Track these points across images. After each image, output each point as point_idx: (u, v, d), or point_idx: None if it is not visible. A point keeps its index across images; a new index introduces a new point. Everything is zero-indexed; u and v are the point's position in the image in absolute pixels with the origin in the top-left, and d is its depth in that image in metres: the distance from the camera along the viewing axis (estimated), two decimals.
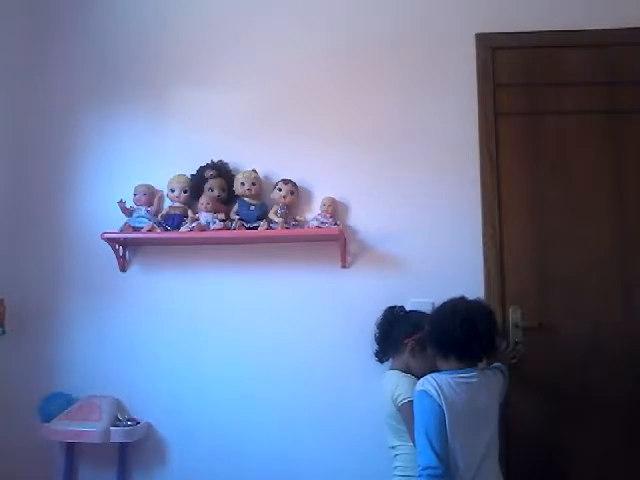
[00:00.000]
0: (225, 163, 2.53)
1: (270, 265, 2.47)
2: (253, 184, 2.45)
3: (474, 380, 1.83)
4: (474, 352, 1.86)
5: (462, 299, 1.92)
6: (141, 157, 2.61)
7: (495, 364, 2.01)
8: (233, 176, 2.50)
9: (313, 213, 2.46)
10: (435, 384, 1.79)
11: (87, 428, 2.28)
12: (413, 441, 1.86)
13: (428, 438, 1.73)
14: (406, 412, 1.93)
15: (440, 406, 1.75)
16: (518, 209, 2.44)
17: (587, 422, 2.28)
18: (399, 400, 1.97)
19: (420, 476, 1.72)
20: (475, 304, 1.91)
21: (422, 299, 2.33)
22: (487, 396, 1.84)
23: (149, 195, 2.53)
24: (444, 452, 1.71)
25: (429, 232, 2.43)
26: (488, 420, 1.81)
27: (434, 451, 1.70)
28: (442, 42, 2.56)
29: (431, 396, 1.77)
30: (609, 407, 2.28)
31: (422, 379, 1.85)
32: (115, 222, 2.47)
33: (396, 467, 2.00)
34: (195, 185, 2.50)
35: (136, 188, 2.52)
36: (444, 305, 1.93)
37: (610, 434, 2.27)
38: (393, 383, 2.03)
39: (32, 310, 2.51)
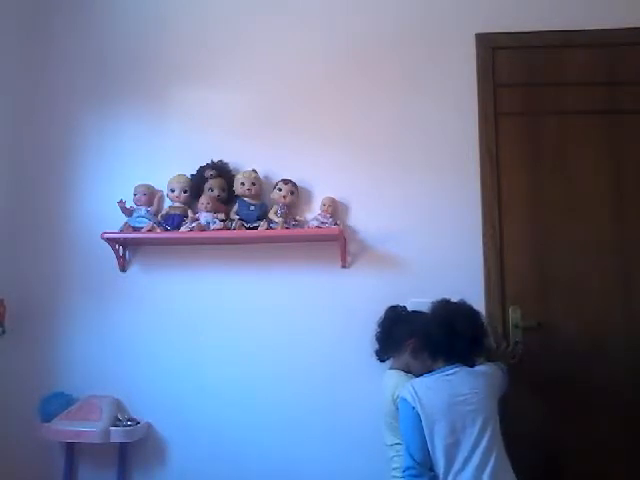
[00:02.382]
0: (225, 163, 2.53)
1: (270, 265, 2.47)
2: (253, 184, 2.45)
3: (454, 376, 1.86)
4: (458, 352, 1.90)
5: (442, 301, 1.97)
6: (141, 157, 2.61)
7: (494, 363, 2.01)
8: (233, 176, 2.50)
9: (313, 213, 2.46)
10: (412, 389, 1.85)
11: (87, 428, 2.28)
12: None
13: (406, 442, 1.84)
14: None
15: (414, 408, 1.81)
16: (518, 209, 2.44)
17: (587, 422, 2.28)
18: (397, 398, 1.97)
19: (403, 477, 1.83)
20: (454, 305, 1.95)
21: (422, 299, 2.32)
22: (473, 388, 1.84)
23: (149, 195, 2.53)
24: (421, 453, 1.79)
25: (429, 232, 2.43)
26: (476, 413, 1.80)
27: (410, 454, 1.80)
28: (442, 42, 2.56)
29: (407, 401, 1.84)
30: (609, 407, 2.28)
31: (405, 385, 1.90)
32: (115, 222, 2.47)
33: (395, 468, 2.00)
34: (195, 185, 2.50)
35: (136, 188, 2.52)
36: (429, 310, 1.99)
37: (611, 434, 2.27)
38: (393, 382, 2.05)
39: (32, 310, 2.51)
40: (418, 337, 1.99)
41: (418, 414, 1.80)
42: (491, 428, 1.81)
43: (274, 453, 2.36)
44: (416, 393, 1.83)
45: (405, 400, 1.85)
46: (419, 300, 2.31)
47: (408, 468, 1.80)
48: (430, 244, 2.42)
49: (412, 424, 1.81)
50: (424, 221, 2.45)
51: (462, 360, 1.90)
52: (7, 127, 2.60)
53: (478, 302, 2.25)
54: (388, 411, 2.03)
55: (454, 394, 1.82)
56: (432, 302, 1.99)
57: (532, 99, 2.52)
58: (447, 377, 1.86)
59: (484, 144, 2.46)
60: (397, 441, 2.00)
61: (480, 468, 1.75)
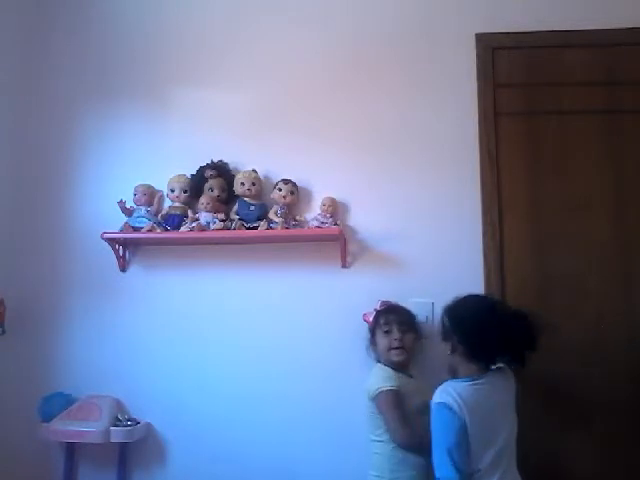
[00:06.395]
0: (225, 163, 2.53)
1: (270, 265, 2.47)
2: (253, 184, 2.45)
3: (486, 385, 1.82)
4: (498, 361, 1.86)
5: (492, 299, 1.93)
6: (141, 157, 2.61)
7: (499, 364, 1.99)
8: (233, 176, 2.50)
9: (313, 213, 2.46)
10: (455, 394, 1.76)
11: (87, 428, 2.28)
12: (391, 432, 1.97)
13: (449, 452, 1.70)
14: (380, 401, 2.03)
15: (461, 418, 1.72)
16: (518, 209, 2.44)
17: (588, 422, 2.28)
18: (371, 391, 2.06)
19: None
20: (510, 308, 1.91)
21: (422, 299, 2.34)
22: (500, 395, 1.83)
23: (149, 195, 2.53)
24: (465, 465, 1.70)
25: (429, 232, 2.43)
26: (504, 420, 1.81)
27: (455, 465, 1.68)
28: (442, 42, 2.56)
29: (451, 408, 1.73)
30: (610, 407, 2.28)
31: (441, 389, 1.81)
32: (115, 222, 2.47)
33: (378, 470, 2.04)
34: (195, 185, 2.50)
35: (136, 188, 2.52)
36: (477, 304, 1.91)
37: (611, 434, 2.27)
38: (374, 380, 2.11)
39: (32, 310, 2.51)
40: (462, 332, 1.87)
41: (465, 423, 1.71)
42: (514, 435, 1.82)
43: (274, 453, 2.36)
44: (462, 400, 1.74)
45: (449, 408, 1.74)
46: (419, 300, 2.32)
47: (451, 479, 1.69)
48: (430, 244, 2.43)
49: (457, 433, 1.71)
50: (424, 221, 2.45)
51: (488, 364, 1.85)
52: (7, 127, 2.60)
53: None
54: (368, 404, 2.10)
55: (487, 403, 1.78)
56: (478, 297, 1.93)
57: (532, 99, 2.52)
58: (480, 386, 1.80)
59: (484, 144, 2.46)
60: (376, 438, 2.06)
61: (505, 476, 1.75)
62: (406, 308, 2.26)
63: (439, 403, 1.77)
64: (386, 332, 2.16)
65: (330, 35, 2.61)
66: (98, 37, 2.72)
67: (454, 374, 1.88)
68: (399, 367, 2.14)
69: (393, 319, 2.17)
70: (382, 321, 2.19)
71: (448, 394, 1.77)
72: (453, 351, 1.86)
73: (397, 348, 2.13)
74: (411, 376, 2.16)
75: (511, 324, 1.82)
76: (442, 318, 1.94)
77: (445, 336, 1.90)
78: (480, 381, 1.81)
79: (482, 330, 1.82)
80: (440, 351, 2.23)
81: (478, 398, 1.77)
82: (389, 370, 2.12)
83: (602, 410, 2.28)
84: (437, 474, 1.73)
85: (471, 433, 1.72)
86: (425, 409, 1.94)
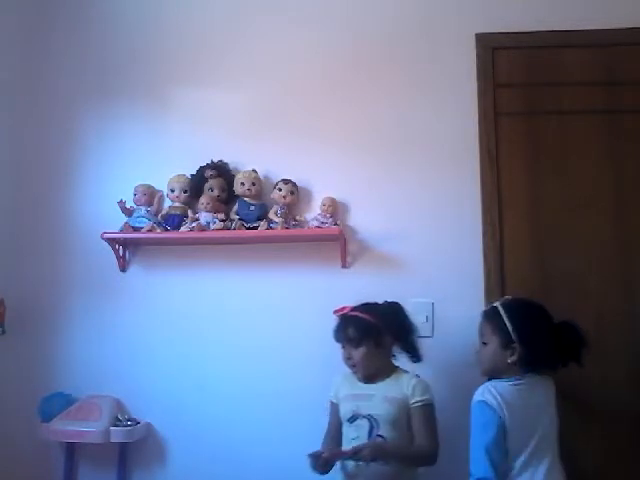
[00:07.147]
0: (225, 163, 2.53)
1: (270, 265, 2.47)
2: (253, 184, 2.45)
3: (526, 386, 1.82)
4: (541, 369, 1.86)
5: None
6: (141, 157, 2.61)
7: None
8: (233, 176, 2.50)
9: (313, 213, 2.46)
10: (496, 393, 1.76)
11: (87, 428, 2.28)
12: None
13: (487, 451, 1.70)
14: None
15: (501, 417, 1.72)
16: (518, 209, 2.44)
17: (588, 422, 2.28)
18: None
19: None
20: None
21: (422, 299, 2.34)
22: (538, 397, 1.83)
23: (149, 195, 2.53)
24: (503, 464, 1.70)
25: (429, 232, 2.43)
26: (539, 421, 1.80)
27: (493, 464, 1.68)
28: (442, 42, 2.56)
29: (491, 407, 1.74)
30: (611, 407, 2.28)
31: (481, 388, 1.81)
32: (115, 222, 2.47)
33: None
34: (195, 185, 2.50)
35: (136, 188, 2.52)
36: (540, 310, 1.88)
37: (612, 434, 2.27)
38: (336, 380, 2.19)
39: (32, 310, 2.51)
40: (525, 335, 1.82)
41: (504, 423, 1.71)
42: (552, 434, 1.82)
43: (275, 452, 2.35)
44: (503, 398, 1.74)
45: (489, 406, 1.74)
46: (419, 300, 2.32)
47: (487, 479, 1.69)
48: (430, 244, 2.42)
49: (497, 431, 1.71)
50: (424, 221, 2.44)
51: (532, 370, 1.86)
52: (7, 127, 2.60)
53: (478, 302, 2.27)
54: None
55: (526, 404, 1.78)
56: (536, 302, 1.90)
57: (532, 99, 2.52)
58: (521, 386, 1.81)
59: (484, 144, 2.46)
60: None
61: (534, 476, 1.75)
62: (358, 317, 2.04)
63: (479, 401, 1.77)
64: (342, 347, 2.10)
65: (330, 35, 2.61)
66: (98, 37, 2.72)
67: (493, 375, 1.87)
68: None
69: (343, 336, 2.08)
70: (334, 339, 2.11)
71: (489, 392, 1.77)
72: (519, 358, 1.82)
73: (351, 366, 2.08)
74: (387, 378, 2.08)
75: (564, 332, 1.83)
76: (499, 322, 1.87)
77: (506, 343, 1.84)
78: (521, 382, 1.82)
79: (549, 337, 1.83)
80: (439, 350, 2.26)
81: (518, 398, 1.77)
82: (339, 377, 2.15)
83: (603, 410, 2.28)
84: (474, 472, 1.72)
85: (510, 433, 1.72)
86: (353, 418, 2.01)
